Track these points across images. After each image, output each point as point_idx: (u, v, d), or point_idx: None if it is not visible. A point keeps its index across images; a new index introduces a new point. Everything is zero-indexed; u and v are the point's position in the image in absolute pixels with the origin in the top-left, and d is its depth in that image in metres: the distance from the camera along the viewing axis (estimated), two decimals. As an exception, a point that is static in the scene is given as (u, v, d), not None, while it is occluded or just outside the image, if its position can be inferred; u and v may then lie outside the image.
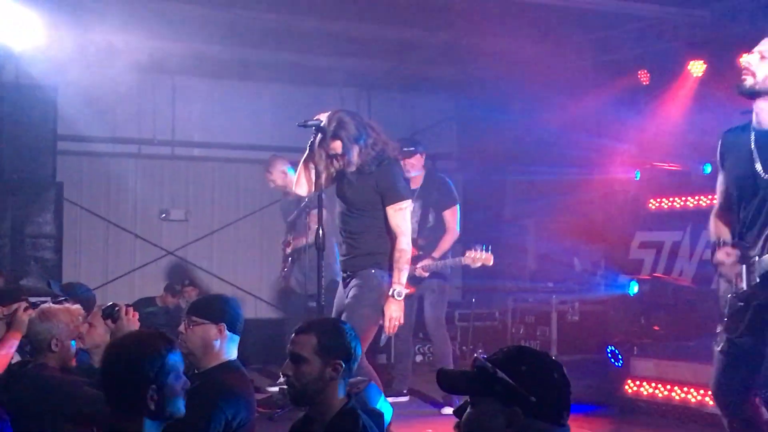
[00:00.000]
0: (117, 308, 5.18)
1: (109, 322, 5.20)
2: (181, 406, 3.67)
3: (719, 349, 5.17)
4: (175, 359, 3.68)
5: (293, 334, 4.21)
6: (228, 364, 4.89)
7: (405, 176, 6.90)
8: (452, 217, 9.37)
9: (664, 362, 9.12)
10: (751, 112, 5.16)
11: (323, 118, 6.65)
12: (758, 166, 4.93)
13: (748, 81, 4.94)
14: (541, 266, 12.96)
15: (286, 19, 11.05)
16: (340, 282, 6.96)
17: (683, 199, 10.69)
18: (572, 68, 12.22)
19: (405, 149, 9.04)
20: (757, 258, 4.82)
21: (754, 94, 4.98)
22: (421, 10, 10.80)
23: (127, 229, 13.11)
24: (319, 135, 6.65)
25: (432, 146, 13.55)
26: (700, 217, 10.25)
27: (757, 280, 4.83)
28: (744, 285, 4.88)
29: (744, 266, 4.88)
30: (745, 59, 4.97)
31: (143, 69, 11.38)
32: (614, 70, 12.01)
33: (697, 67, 11.24)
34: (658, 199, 10.97)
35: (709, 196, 10.21)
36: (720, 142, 5.26)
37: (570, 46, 11.98)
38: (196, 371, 4.84)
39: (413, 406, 9.33)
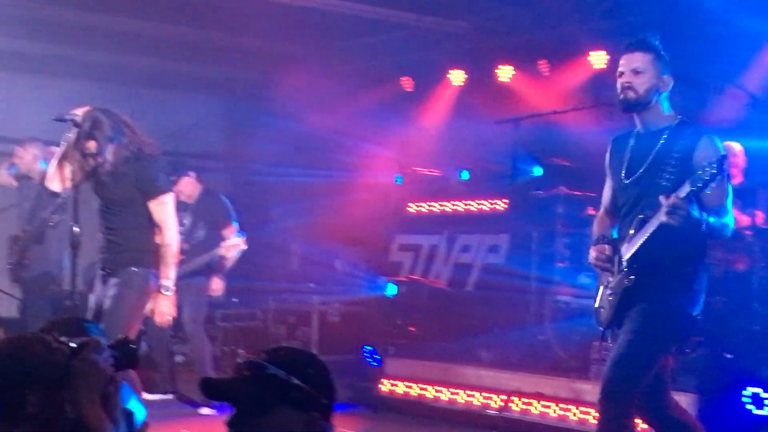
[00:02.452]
0: None
1: None
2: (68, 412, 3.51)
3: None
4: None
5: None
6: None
7: (159, 167, 6.79)
8: (232, 233, 9.28)
9: (418, 362, 9.39)
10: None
11: (80, 113, 6.51)
12: (623, 173, 5.27)
13: (631, 96, 5.17)
14: (304, 267, 13.05)
15: (45, 10, 10.72)
16: (98, 279, 6.80)
17: (441, 203, 11.02)
18: (338, 72, 12.39)
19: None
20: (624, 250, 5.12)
21: (638, 107, 5.23)
22: (184, 7, 10.71)
23: None
24: (75, 131, 6.51)
25: (198, 146, 13.47)
26: (456, 221, 10.67)
27: (624, 267, 5.10)
28: (615, 272, 5.16)
29: (616, 257, 5.16)
30: (625, 78, 5.19)
31: None
32: (378, 76, 12.28)
33: (457, 77, 11.64)
34: (418, 204, 11.26)
35: (466, 202, 10.62)
36: (609, 148, 5.53)
37: (334, 51, 12.16)
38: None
39: (171, 406, 9.24)
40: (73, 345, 3.31)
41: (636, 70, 5.19)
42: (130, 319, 6.49)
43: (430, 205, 11.13)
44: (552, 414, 8.05)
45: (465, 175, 11.43)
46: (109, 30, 11.68)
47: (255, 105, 13.50)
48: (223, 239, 9.21)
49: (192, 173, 9.39)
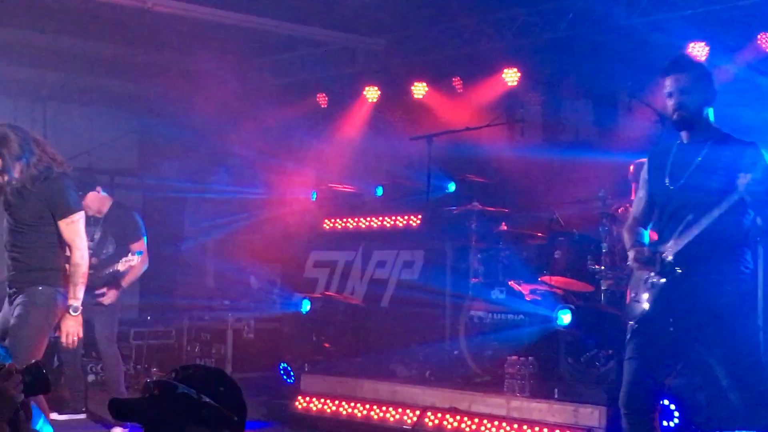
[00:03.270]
0: None
1: None
2: None
3: (628, 357, 5.60)
4: None
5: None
6: None
7: (70, 184, 6.68)
8: (141, 248, 9.17)
9: (333, 378, 9.36)
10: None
11: None
12: (666, 180, 5.56)
13: (685, 116, 5.48)
14: (219, 284, 12.97)
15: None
16: (6, 299, 6.67)
17: (356, 219, 11.04)
18: (254, 88, 12.37)
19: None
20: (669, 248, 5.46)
21: (691, 124, 5.51)
22: (97, 21, 10.60)
23: None
24: None
25: (111, 162, 13.30)
26: (371, 237, 10.68)
27: (670, 262, 5.44)
28: (657, 269, 5.48)
29: (657, 256, 5.50)
30: (675, 99, 5.47)
31: None
32: (294, 92, 12.28)
33: (371, 93, 11.69)
34: (333, 220, 11.26)
35: (380, 218, 10.65)
36: (646, 163, 5.83)
37: (249, 66, 12.14)
38: None
39: (82, 427, 9.09)
40: None
41: (684, 90, 5.47)
42: (36, 339, 6.36)
43: (345, 221, 11.13)
44: (466, 429, 8.08)
45: (379, 191, 11.47)
46: (23, 44, 11.53)
47: (170, 121, 13.40)
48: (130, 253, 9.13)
49: (99, 188, 9.26)
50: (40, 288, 6.43)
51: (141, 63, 12.41)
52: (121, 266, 8.63)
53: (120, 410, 2.84)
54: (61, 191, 6.49)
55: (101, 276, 8.89)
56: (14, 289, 6.51)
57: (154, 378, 2.96)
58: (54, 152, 6.56)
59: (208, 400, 2.77)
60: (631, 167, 8.20)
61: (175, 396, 2.77)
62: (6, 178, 6.37)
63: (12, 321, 6.40)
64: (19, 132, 6.46)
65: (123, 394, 8.91)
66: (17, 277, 6.51)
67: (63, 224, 6.46)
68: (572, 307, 8.21)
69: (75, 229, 6.51)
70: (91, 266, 8.70)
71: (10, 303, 6.52)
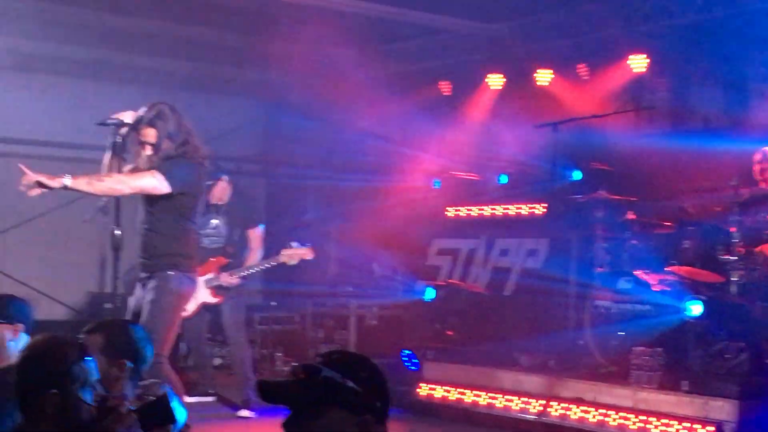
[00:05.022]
0: None
1: None
2: (85, 416, 3.55)
3: None
4: (85, 368, 3.56)
5: (82, 334, 4.17)
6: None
7: (191, 172, 6.71)
8: (255, 236, 9.33)
9: (456, 366, 9.36)
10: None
11: (124, 117, 6.55)
12: None
13: None
14: (342, 271, 13.07)
15: (90, 15, 10.82)
16: (138, 283, 6.83)
17: (480, 207, 10.99)
18: (377, 76, 12.40)
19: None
20: None
21: None
22: (223, 10, 10.77)
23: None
24: (125, 129, 6.53)
25: (236, 149, 13.52)
26: (495, 225, 10.62)
27: None
28: None
29: None
30: None
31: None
32: (417, 79, 12.27)
33: (495, 80, 11.61)
34: (456, 208, 11.24)
35: (504, 206, 10.58)
36: None
37: (373, 54, 12.17)
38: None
39: (210, 409, 9.28)
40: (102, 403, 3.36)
41: None
42: (168, 324, 6.52)
43: (468, 209, 11.09)
44: (591, 419, 8.01)
45: (503, 179, 11.40)
46: (152, 34, 11.77)
47: (294, 109, 13.53)
48: (248, 240, 9.27)
49: (225, 177, 9.42)
50: (172, 273, 6.57)
51: (266, 52, 12.54)
52: (285, 258, 8.76)
53: (267, 392, 2.87)
54: (171, 165, 6.53)
55: (261, 267, 9.07)
56: (147, 274, 6.66)
57: (300, 362, 2.99)
58: (199, 144, 6.67)
59: (351, 384, 2.78)
60: (758, 155, 8.04)
61: (319, 379, 2.79)
62: (153, 151, 6.51)
63: (145, 306, 6.55)
64: (176, 113, 6.61)
65: (251, 379, 9.08)
66: (150, 261, 6.66)
67: (142, 174, 6.48)
68: (703, 297, 8.04)
69: (145, 183, 6.49)
70: (228, 255, 8.92)
71: (143, 287, 6.68)
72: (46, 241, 13.26)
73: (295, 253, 8.80)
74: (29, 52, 12.28)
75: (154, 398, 3.47)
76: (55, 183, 6.30)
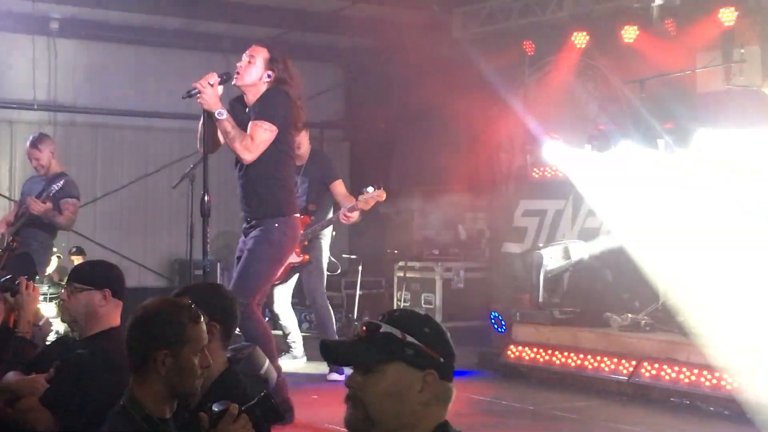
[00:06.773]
0: (17, 282, 5.00)
1: (8, 295, 5.01)
2: (196, 385, 3.60)
3: None
4: (197, 331, 3.60)
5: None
6: (111, 331, 4.81)
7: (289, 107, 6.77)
8: (341, 188, 9.27)
9: (545, 327, 9.28)
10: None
11: (209, 79, 6.51)
12: None
13: None
14: (427, 234, 13.05)
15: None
16: (242, 233, 6.87)
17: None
18: (459, 38, 12.29)
19: None
20: None
21: None
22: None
23: (6, 196, 12.79)
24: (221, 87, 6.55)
25: (319, 115, 13.55)
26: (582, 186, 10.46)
27: None
28: None
29: None
30: None
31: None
32: (500, 40, 12.11)
33: (580, 39, 11.39)
34: (542, 168, 11.11)
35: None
36: None
37: (453, 16, 12.07)
38: (77, 338, 4.76)
39: (301, 372, 9.34)
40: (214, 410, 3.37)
41: None
42: (262, 275, 6.58)
43: (554, 170, 10.95)
44: (684, 380, 7.89)
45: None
46: (232, 3, 11.80)
47: (375, 74, 13.50)
48: (332, 195, 9.22)
49: (305, 132, 9.37)
50: (272, 221, 6.60)
51: (346, 17, 12.54)
52: (362, 203, 8.76)
53: (328, 352, 2.90)
54: (273, 101, 6.60)
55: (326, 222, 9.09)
56: (250, 224, 6.71)
57: (362, 321, 2.99)
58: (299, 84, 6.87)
59: (412, 339, 2.78)
60: None
61: (379, 335, 2.81)
62: (245, 71, 6.65)
63: (244, 255, 6.61)
64: (290, 65, 6.87)
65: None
66: (251, 210, 6.70)
67: (254, 125, 6.52)
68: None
69: (261, 133, 6.53)
70: (311, 213, 8.91)
71: (246, 235, 6.74)
72: (135, 208, 13.48)
73: (370, 197, 8.76)
74: (117, 24, 12.44)
75: (255, 401, 3.47)
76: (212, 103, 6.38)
